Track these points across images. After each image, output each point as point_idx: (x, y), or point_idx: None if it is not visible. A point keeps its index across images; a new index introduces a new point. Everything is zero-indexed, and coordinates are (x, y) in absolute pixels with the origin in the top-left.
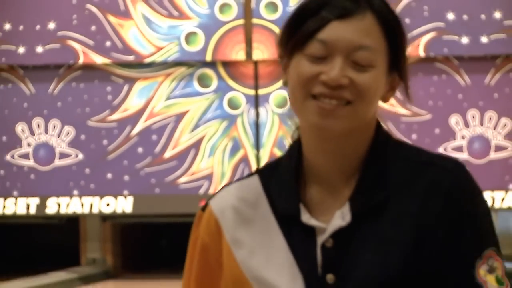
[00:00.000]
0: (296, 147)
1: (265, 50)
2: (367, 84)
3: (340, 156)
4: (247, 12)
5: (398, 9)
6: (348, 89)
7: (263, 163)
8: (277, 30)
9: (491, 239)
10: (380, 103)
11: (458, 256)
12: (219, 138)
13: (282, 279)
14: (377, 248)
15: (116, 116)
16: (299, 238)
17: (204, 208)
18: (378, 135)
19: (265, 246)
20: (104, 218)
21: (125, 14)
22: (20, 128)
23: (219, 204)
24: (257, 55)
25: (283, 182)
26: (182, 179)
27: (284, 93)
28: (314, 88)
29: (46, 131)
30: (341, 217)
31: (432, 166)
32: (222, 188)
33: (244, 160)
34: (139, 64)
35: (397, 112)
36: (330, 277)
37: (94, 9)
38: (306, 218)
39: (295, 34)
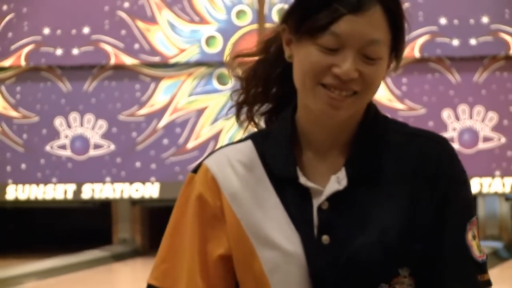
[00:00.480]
0: (290, 116)
1: None
2: (375, 76)
3: (336, 129)
4: (261, 17)
5: None
6: (356, 81)
7: None
8: None
9: (474, 208)
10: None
11: (452, 218)
12: (236, 131)
13: (280, 237)
14: (372, 211)
15: (144, 111)
16: (294, 200)
17: (196, 170)
18: (370, 109)
19: (261, 206)
20: (133, 202)
21: (152, 20)
22: (58, 122)
23: (215, 162)
24: None
25: (278, 147)
26: None
27: None
28: (325, 78)
29: (81, 125)
30: (336, 182)
31: (421, 136)
32: (213, 151)
33: None
34: (164, 65)
35: (394, 107)
36: (325, 238)
37: (124, 15)
38: (303, 180)
39: (307, 21)
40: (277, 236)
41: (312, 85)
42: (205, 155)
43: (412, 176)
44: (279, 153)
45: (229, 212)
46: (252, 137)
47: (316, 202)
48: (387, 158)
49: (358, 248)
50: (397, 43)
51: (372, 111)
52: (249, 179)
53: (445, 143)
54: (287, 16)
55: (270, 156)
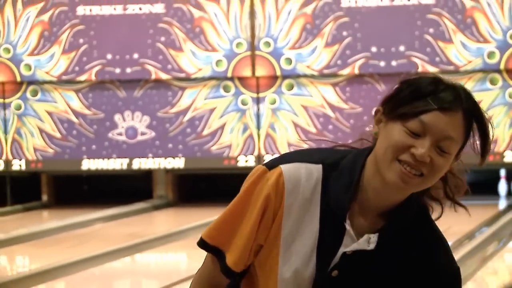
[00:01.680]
0: (361, 162)
1: (263, 70)
2: (441, 166)
3: (390, 199)
4: (252, 47)
5: (343, 45)
6: (426, 165)
7: (262, 139)
8: (271, 59)
9: None
10: None
11: None
12: (236, 123)
13: (301, 255)
14: (379, 279)
15: (174, 109)
16: (330, 234)
17: (271, 167)
18: (414, 198)
19: (302, 228)
20: (166, 171)
21: (180, 49)
22: (117, 117)
23: (290, 172)
24: (258, 73)
25: (342, 186)
26: (214, 147)
27: (274, 96)
28: (403, 155)
29: (132, 119)
30: (367, 241)
31: (442, 255)
32: (290, 156)
33: (250, 136)
34: (187, 79)
35: (341, 107)
36: (335, 272)
37: (161, 45)
38: (347, 223)
39: (403, 106)
40: (300, 251)
41: (391, 158)
42: (279, 154)
43: (411, 275)
44: (341, 193)
45: (279, 218)
46: (324, 164)
47: (344, 244)
48: (409, 242)
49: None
50: (484, 145)
51: (415, 200)
52: (306, 202)
53: (457, 278)
54: (386, 101)
55: (333, 190)
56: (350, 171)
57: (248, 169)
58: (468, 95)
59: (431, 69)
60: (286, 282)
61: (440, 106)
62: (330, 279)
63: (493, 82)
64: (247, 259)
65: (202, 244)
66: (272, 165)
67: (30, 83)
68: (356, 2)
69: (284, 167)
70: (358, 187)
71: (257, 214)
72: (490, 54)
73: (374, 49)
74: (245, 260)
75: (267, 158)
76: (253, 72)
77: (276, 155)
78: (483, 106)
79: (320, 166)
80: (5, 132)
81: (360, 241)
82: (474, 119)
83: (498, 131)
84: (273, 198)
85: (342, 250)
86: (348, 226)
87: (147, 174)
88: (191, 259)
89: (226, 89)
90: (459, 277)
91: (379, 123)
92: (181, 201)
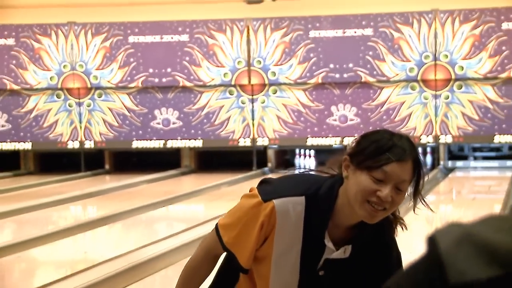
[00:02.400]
0: (334, 194)
1: (256, 80)
2: (399, 202)
3: (355, 220)
4: (249, 64)
5: (310, 63)
6: (389, 202)
7: (255, 127)
8: (261, 72)
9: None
10: None
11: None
12: (237, 116)
13: (288, 265)
14: (353, 276)
15: (195, 107)
16: (312, 248)
17: (266, 200)
18: None
19: (289, 244)
20: (190, 148)
21: (199, 65)
22: (156, 111)
23: (281, 208)
24: (253, 81)
25: (320, 215)
26: (222, 133)
27: (263, 97)
28: (371, 197)
29: (167, 113)
30: (343, 251)
31: (388, 248)
32: (280, 190)
33: (247, 125)
34: (204, 85)
35: (309, 105)
36: (321, 272)
37: (186, 63)
38: (326, 240)
39: (368, 160)
40: (285, 268)
41: (362, 200)
42: (270, 195)
43: (375, 264)
44: (320, 219)
45: (270, 238)
46: (306, 196)
47: (326, 253)
48: (370, 247)
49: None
50: (417, 182)
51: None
52: (292, 227)
53: (400, 259)
54: (353, 154)
55: (314, 217)
56: (327, 200)
57: (245, 148)
58: (412, 146)
59: (371, 79)
60: (277, 280)
61: (397, 159)
62: (317, 277)
63: (412, 88)
64: (251, 261)
65: (221, 242)
66: (266, 198)
67: (97, 88)
68: (319, 33)
69: (276, 203)
70: (332, 211)
71: (257, 232)
72: (410, 69)
73: (331, 65)
74: (251, 261)
75: (259, 140)
76: (249, 81)
77: (265, 139)
78: (407, 105)
79: (303, 198)
80: (80, 121)
81: (338, 252)
82: (417, 164)
83: (416, 122)
84: (266, 225)
85: (325, 257)
86: (327, 242)
87: (177, 151)
88: (207, 209)
89: (231, 92)
90: (401, 259)
91: (347, 168)
92: (200, 169)
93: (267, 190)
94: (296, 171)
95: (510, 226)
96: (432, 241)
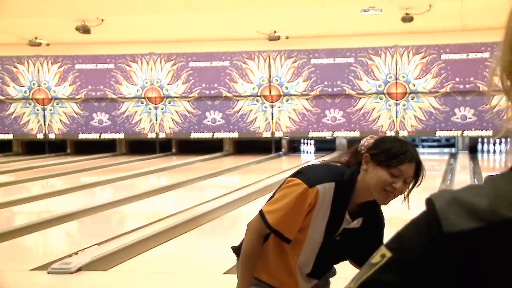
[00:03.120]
0: (354, 182)
1: (274, 92)
2: (403, 191)
3: (367, 199)
4: (269, 81)
5: (311, 81)
6: (398, 191)
7: (274, 125)
8: (278, 87)
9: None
10: None
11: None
12: (261, 117)
13: (318, 231)
14: (359, 238)
15: (233, 110)
16: (335, 220)
17: (311, 186)
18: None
19: (320, 217)
20: (229, 138)
21: (236, 81)
22: (207, 113)
23: (321, 192)
24: (272, 93)
25: (343, 195)
26: (251, 127)
27: (279, 104)
28: (387, 187)
29: (214, 114)
30: (357, 222)
31: (381, 213)
32: (319, 176)
33: (268, 123)
34: (239, 96)
35: (310, 110)
36: (337, 238)
37: (227, 80)
38: (346, 214)
39: (387, 161)
40: (316, 233)
41: (380, 189)
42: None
43: (376, 225)
44: (343, 199)
45: (310, 214)
46: (335, 182)
47: (344, 224)
48: (370, 216)
49: (347, 249)
50: (416, 178)
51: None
52: (325, 204)
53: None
54: (374, 154)
55: (340, 198)
56: (349, 186)
57: (267, 138)
58: (416, 151)
59: (352, 92)
60: (308, 244)
61: (408, 161)
62: (335, 242)
63: (380, 98)
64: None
65: (267, 224)
66: (311, 185)
67: (167, 97)
68: (318, 61)
69: (319, 188)
70: (352, 195)
71: (305, 211)
72: (379, 85)
73: (326, 82)
74: (295, 233)
75: (276, 133)
76: (270, 93)
77: (280, 132)
78: (376, 110)
79: (333, 184)
80: (156, 120)
81: (354, 222)
82: (419, 164)
83: (383, 122)
84: (312, 204)
85: (343, 226)
86: (346, 216)
87: (220, 140)
88: (241, 180)
89: (257, 100)
90: (383, 222)
91: (367, 163)
92: (236, 153)
93: (308, 179)
94: (311, 159)
95: (486, 192)
96: (429, 201)
